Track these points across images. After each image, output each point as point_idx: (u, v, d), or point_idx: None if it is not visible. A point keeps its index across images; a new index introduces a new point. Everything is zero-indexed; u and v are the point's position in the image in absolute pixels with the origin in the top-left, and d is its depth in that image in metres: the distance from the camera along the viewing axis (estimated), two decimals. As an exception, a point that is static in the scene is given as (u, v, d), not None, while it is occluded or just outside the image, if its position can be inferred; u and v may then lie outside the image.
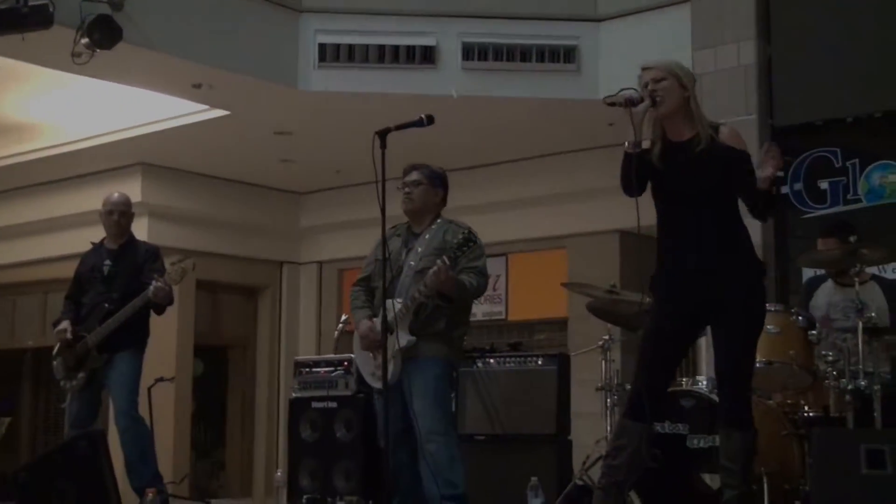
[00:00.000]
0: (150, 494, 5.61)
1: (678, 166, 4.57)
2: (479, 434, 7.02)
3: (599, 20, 8.72)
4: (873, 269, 6.29)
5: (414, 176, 5.67)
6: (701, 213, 4.54)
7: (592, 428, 6.83)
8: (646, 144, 4.63)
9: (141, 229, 9.45)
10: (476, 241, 5.42)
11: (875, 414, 5.34)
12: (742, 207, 4.62)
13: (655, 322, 4.69)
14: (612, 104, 4.55)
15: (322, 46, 8.69)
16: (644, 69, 4.67)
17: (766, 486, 5.23)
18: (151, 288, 6.24)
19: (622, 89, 4.59)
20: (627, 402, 4.73)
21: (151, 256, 6.62)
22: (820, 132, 7.55)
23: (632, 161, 4.53)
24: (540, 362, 7.01)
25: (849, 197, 7.35)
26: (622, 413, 4.72)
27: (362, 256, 6.02)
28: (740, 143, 4.59)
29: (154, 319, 6.64)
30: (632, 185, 4.55)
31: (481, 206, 9.89)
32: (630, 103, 4.52)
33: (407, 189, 5.65)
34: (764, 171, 4.42)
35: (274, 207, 11.96)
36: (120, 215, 6.67)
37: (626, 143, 4.54)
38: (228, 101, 9.11)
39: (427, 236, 5.61)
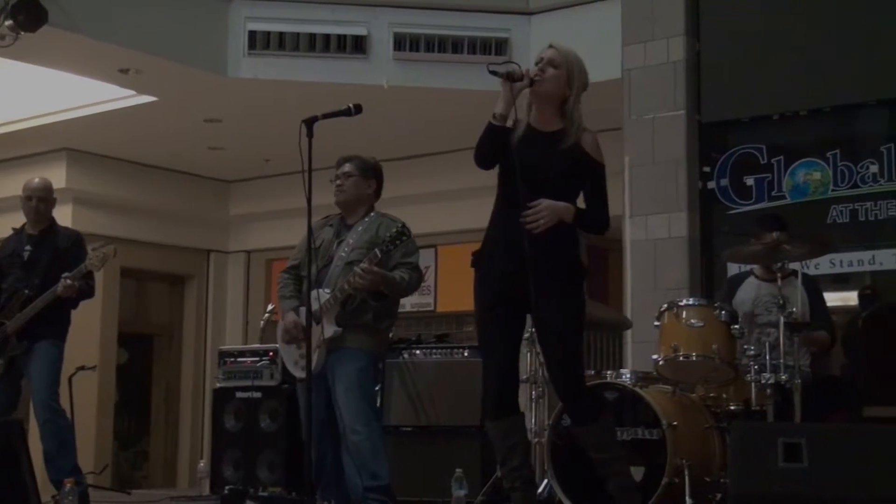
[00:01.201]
0: (68, 485, 5.51)
1: (535, 154, 4.53)
2: (404, 425, 7.01)
3: (531, 13, 8.76)
4: (796, 265, 6.37)
5: (346, 168, 5.65)
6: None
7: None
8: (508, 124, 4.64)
9: (65, 216, 9.32)
10: (409, 236, 5.40)
11: (795, 407, 5.42)
12: None
13: (481, 312, 4.68)
14: (494, 73, 4.52)
15: (252, 34, 8.63)
16: (551, 46, 4.66)
17: (687, 478, 5.27)
18: (60, 286, 6.19)
19: (507, 61, 4.61)
20: (488, 403, 4.70)
21: (75, 244, 6.52)
22: (746, 129, 7.63)
23: (495, 132, 4.52)
24: (466, 354, 7.03)
25: (773, 193, 7.43)
26: (488, 417, 4.69)
27: (291, 246, 5.98)
28: (599, 155, 4.62)
29: (79, 306, 6.55)
30: (486, 156, 4.58)
31: (411, 196, 9.87)
32: (511, 78, 4.49)
33: (339, 181, 5.63)
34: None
35: (202, 195, 11.86)
36: (38, 201, 6.55)
37: (494, 115, 4.53)
38: (156, 87, 9.02)
39: (360, 228, 5.59)
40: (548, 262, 4.50)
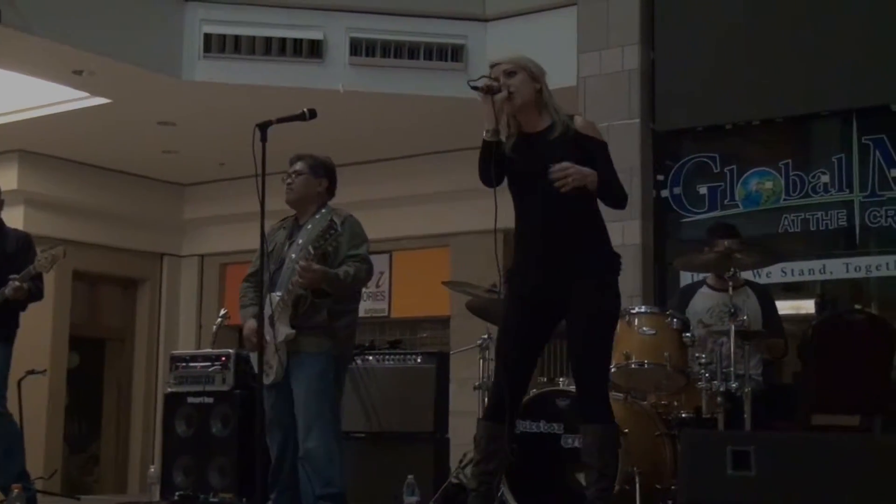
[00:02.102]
0: (16, 490, 5.45)
1: (533, 154, 4.52)
2: (357, 432, 7.00)
3: (487, 20, 8.77)
4: (748, 274, 6.41)
5: (297, 166, 5.60)
6: (553, 202, 4.46)
7: (470, 426, 6.80)
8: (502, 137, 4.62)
9: (17, 218, 9.25)
10: (336, 229, 5.31)
11: (745, 416, 5.46)
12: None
13: (507, 318, 4.66)
14: (475, 88, 4.53)
15: (208, 37, 8.59)
16: (492, 66, 4.65)
17: (637, 485, 5.30)
18: (8, 289, 6.12)
19: (483, 77, 4.61)
20: (488, 402, 4.69)
21: (24, 246, 6.44)
22: (700, 138, 7.70)
23: (490, 148, 4.51)
24: (419, 360, 7.03)
25: (726, 202, 7.50)
26: (484, 415, 4.67)
27: (245, 250, 5.97)
28: (596, 133, 4.62)
29: (29, 309, 6.48)
30: (488, 173, 4.53)
31: (366, 202, 9.82)
32: (490, 91, 4.50)
33: (289, 179, 5.59)
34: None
35: (156, 199, 11.77)
36: (-15, 204, 6.47)
37: (485, 132, 4.52)
38: (110, 89, 8.94)
39: (309, 227, 5.53)
40: (580, 248, 4.51)
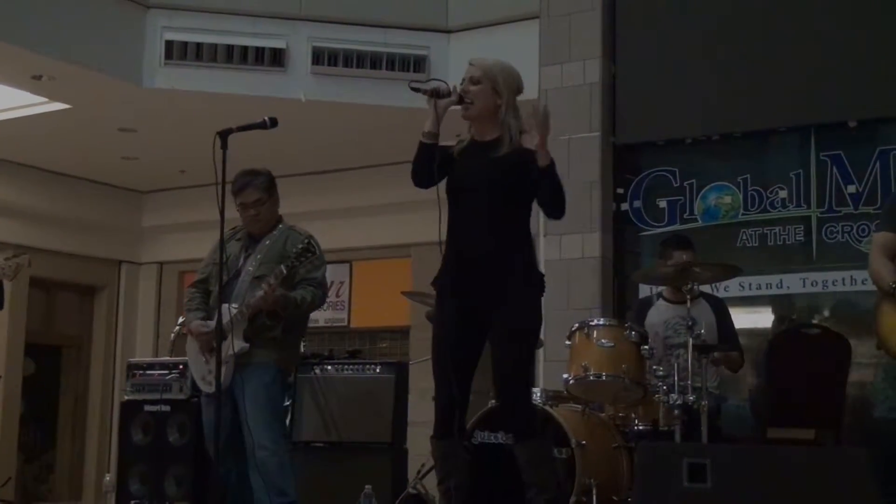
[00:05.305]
0: (-32, 498, 5.41)
1: (474, 164, 4.54)
2: (315, 441, 6.97)
3: (450, 31, 8.80)
4: (706, 287, 6.45)
5: (253, 195, 5.52)
6: (487, 213, 4.49)
7: (428, 437, 6.83)
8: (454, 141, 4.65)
9: (-28, 223, 9.17)
10: (315, 252, 5.35)
11: (702, 428, 5.49)
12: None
13: (438, 325, 4.68)
14: (417, 90, 4.54)
15: (169, 44, 8.56)
16: (470, 64, 4.68)
17: (595, 497, 5.32)
18: None
19: (431, 79, 4.62)
20: (435, 420, 4.68)
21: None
22: (660, 152, 7.73)
23: (426, 151, 4.53)
24: (378, 370, 7.00)
25: (685, 216, 7.54)
26: (434, 434, 4.67)
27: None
28: None
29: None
30: (422, 175, 4.56)
31: (327, 211, 9.86)
32: (435, 94, 4.51)
33: (251, 211, 5.54)
34: (532, 138, 4.42)
35: (114, 205, 11.72)
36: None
37: (423, 133, 4.54)
38: (70, 94, 8.88)
39: (267, 242, 5.53)
40: (503, 267, 4.49)
